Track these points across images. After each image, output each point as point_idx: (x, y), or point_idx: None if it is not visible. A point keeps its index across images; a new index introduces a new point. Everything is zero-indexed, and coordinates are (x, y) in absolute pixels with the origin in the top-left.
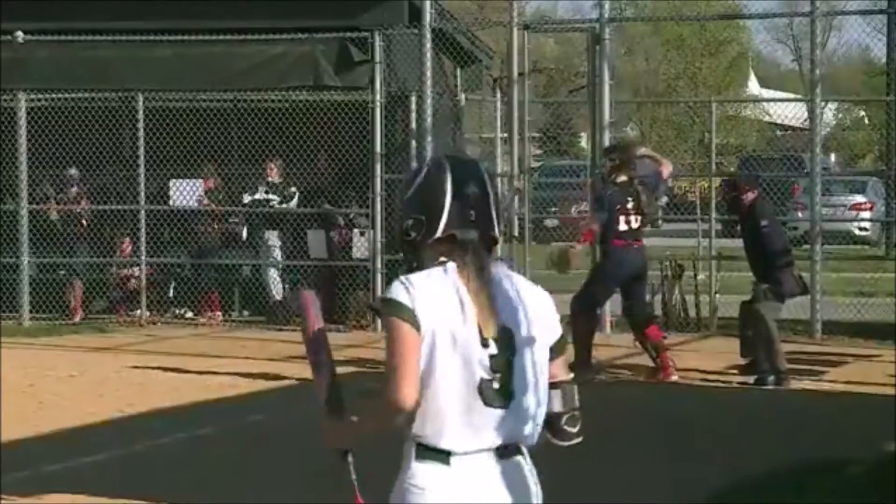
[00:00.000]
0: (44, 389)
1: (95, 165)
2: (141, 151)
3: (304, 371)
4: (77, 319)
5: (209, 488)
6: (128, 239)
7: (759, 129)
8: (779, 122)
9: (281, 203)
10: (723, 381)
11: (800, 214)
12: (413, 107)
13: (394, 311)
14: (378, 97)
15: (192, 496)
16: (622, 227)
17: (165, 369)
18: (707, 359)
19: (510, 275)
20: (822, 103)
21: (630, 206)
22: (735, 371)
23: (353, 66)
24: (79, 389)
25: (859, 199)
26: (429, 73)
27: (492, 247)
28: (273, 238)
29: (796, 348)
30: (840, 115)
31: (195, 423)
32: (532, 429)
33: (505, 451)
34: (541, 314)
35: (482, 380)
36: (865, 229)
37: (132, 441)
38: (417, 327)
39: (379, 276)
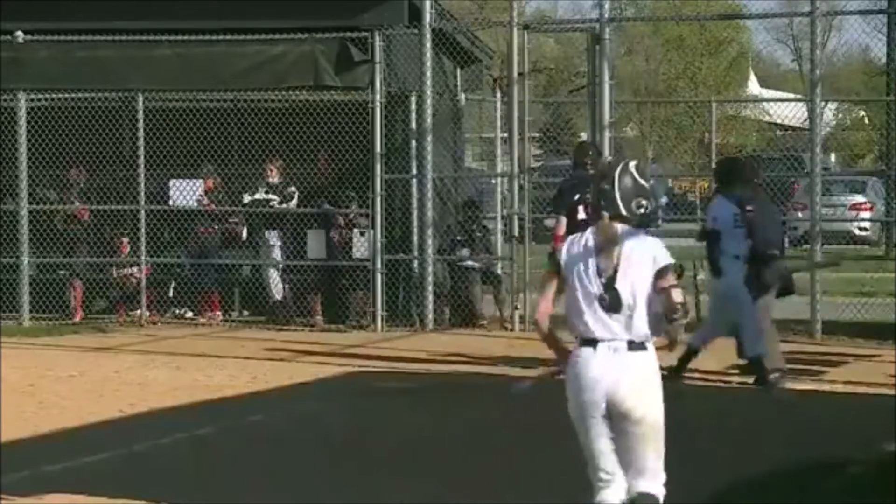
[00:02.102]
0: (44, 389)
1: (95, 165)
2: (141, 151)
3: (302, 372)
4: (77, 319)
5: (209, 488)
6: (126, 239)
7: (759, 129)
8: (779, 122)
9: (281, 203)
10: (723, 382)
11: (800, 214)
12: (413, 107)
13: (547, 264)
14: (378, 97)
15: (192, 496)
16: (581, 216)
17: (165, 369)
18: (707, 359)
19: (635, 234)
20: (822, 103)
21: (589, 196)
22: (735, 371)
23: (353, 66)
24: (79, 389)
25: (859, 199)
26: (429, 73)
27: (625, 219)
28: (273, 238)
29: (796, 348)
30: (840, 115)
31: (195, 423)
32: (641, 327)
33: (632, 345)
34: (644, 255)
35: (597, 295)
36: (865, 229)
37: (132, 441)
38: (558, 268)
39: (379, 276)
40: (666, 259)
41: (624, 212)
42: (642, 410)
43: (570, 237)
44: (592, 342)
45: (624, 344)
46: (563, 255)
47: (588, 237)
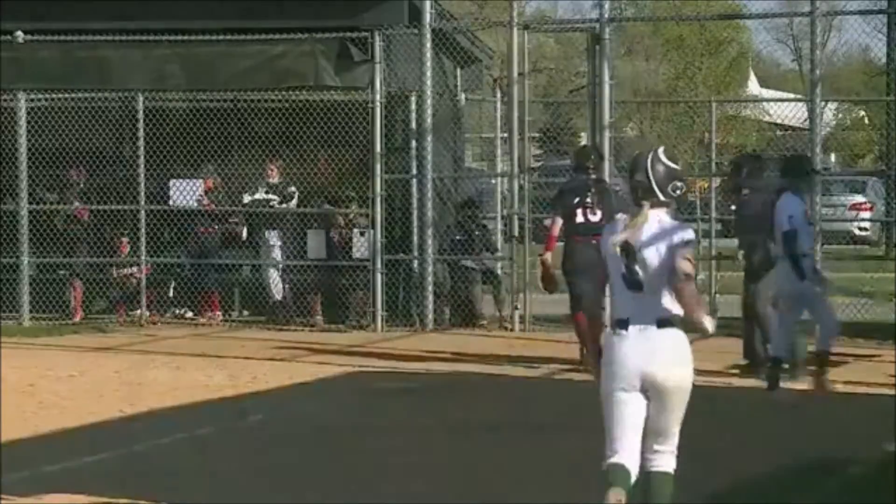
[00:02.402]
0: (44, 389)
1: (95, 165)
2: (141, 151)
3: (302, 372)
4: (77, 319)
5: (209, 488)
6: (125, 239)
7: (759, 129)
8: (779, 122)
9: (281, 203)
10: (723, 381)
11: None
12: (413, 107)
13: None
14: (378, 97)
15: (192, 496)
16: (579, 219)
17: (165, 369)
18: (707, 359)
19: (662, 220)
20: (822, 103)
21: (589, 200)
22: (736, 371)
23: (353, 66)
24: (79, 389)
25: (859, 199)
26: (429, 73)
27: (660, 204)
28: (273, 238)
29: None
30: (840, 115)
31: (195, 423)
32: (666, 305)
33: (661, 322)
34: (663, 234)
35: (622, 275)
36: (865, 229)
37: (132, 441)
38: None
39: (379, 276)
40: (682, 236)
41: (663, 197)
42: (673, 382)
43: (610, 223)
44: (623, 323)
45: (653, 322)
46: (603, 240)
47: (623, 221)
